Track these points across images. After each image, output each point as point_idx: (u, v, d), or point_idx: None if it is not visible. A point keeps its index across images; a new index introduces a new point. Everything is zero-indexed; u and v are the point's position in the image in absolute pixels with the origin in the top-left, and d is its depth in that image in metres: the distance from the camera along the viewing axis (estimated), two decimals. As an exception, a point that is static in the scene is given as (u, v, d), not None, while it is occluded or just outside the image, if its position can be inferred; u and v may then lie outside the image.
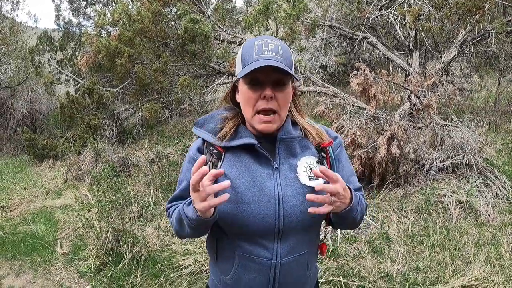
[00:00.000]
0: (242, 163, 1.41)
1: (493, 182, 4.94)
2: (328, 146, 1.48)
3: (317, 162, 1.45)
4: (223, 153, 1.43)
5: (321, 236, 1.65)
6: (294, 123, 1.49)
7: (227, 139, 1.42)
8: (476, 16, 5.32)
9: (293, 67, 1.39)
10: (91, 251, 4.45)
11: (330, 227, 1.61)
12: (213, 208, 1.26)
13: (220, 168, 1.41)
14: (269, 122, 1.36)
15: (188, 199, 1.36)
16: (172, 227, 1.51)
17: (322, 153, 1.47)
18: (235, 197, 1.37)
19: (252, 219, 1.37)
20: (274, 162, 1.42)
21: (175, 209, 1.49)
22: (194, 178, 1.17)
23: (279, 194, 1.38)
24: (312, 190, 1.39)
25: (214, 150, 1.43)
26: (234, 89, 1.49)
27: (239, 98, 1.44)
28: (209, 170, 1.35)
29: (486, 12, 5.28)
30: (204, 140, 1.48)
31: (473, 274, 3.60)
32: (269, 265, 1.42)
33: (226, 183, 1.20)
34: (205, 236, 1.60)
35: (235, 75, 1.44)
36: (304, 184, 1.41)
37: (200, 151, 1.47)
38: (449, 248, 4.06)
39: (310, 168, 1.43)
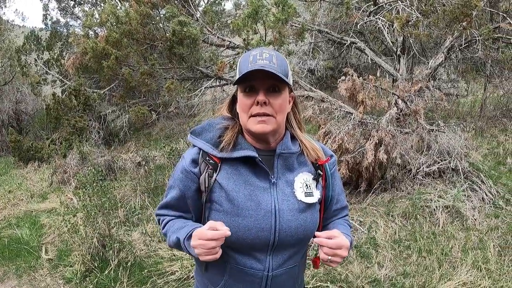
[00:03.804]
0: (239, 175, 1.41)
1: (479, 187, 4.99)
2: (325, 164, 1.51)
3: (313, 179, 1.47)
4: (219, 164, 1.42)
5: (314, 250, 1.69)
6: (293, 138, 1.50)
7: (227, 150, 1.42)
8: (464, 23, 5.37)
9: (289, 76, 1.40)
10: (76, 256, 4.37)
11: None
12: None
13: (216, 179, 1.41)
14: (264, 122, 1.36)
15: (188, 228, 1.40)
16: (167, 241, 1.52)
17: (319, 171, 1.49)
18: (231, 210, 1.38)
19: (247, 233, 1.37)
20: (272, 176, 1.42)
21: (169, 222, 1.53)
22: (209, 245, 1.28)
23: (276, 208, 1.39)
24: (307, 206, 1.44)
25: (211, 161, 1.42)
26: (234, 100, 1.50)
27: (238, 108, 1.45)
28: (205, 181, 1.41)
29: (473, 19, 5.33)
30: (199, 150, 1.46)
31: (460, 279, 3.63)
32: (261, 277, 1.42)
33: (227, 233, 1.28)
34: None
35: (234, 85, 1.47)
36: (300, 200, 1.42)
37: (195, 162, 1.45)
38: (436, 253, 4.08)
39: (307, 185, 1.45)
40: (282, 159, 1.44)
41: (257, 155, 1.40)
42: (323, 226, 1.58)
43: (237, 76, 1.37)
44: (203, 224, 1.41)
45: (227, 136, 1.43)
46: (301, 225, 1.41)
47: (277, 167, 1.44)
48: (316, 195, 1.46)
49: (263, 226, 1.37)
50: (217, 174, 1.41)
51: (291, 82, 1.41)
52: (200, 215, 1.49)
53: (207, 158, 1.43)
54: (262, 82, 1.35)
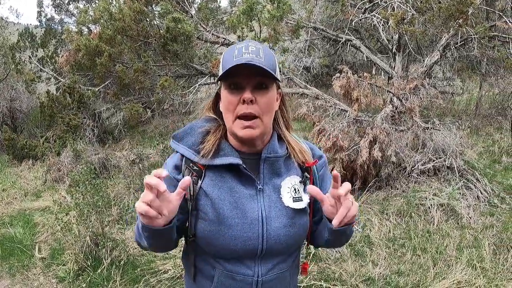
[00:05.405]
0: (224, 182, 1.33)
1: (474, 185, 4.99)
2: (312, 166, 1.42)
3: (300, 182, 1.39)
4: (203, 171, 1.35)
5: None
6: (280, 139, 1.42)
7: (210, 156, 1.33)
8: (460, 21, 5.36)
9: (277, 72, 1.30)
10: (69, 255, 4.33)
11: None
12: (164, 219, 1.15)
13: (201, 187, 1.33)
14: (251, 127, 1.26)
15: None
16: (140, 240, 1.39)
17: (306, 173, 1.41)
18: (217, 218, 1.30)
19: (234, 242, 1.30)
20: (258, 183, 1.35)
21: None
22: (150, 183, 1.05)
23: (263, 216, 1.32)
24: (296, 211, 1.36)
25: (195, 167, 1.34)
26: (218, 98, 1.40)
27: (221, 107, 1.36)
28: (190, 189, 1.32)
29: (469, 17, 5.32)
30: (182, 155, 1.37)
31: (455, 277, 3.62)
32: (251, 282, 1.36)
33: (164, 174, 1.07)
34: (181, 249, 1.53)
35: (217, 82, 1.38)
36: (287, 206, 1.35)
37: (177, 168, 1.37)
38: (430, 251, 4.07)
39: (295, 189, 1.37)
40: (268, 163, 1.36)
41: (241, 162, 1.32)
42: (313, 230, 1.49)
43: (221, 72, 1.28)
44: (191, 234, 1.36)
45: (208, 143, 1.35)
46: (290, 232, 1.34)
47: (263, 173, 1.36)
48: (306, 200, 1.38)
49: (250, 235, 1.30)
50: (202, 181, 1.34)
51: (279, 78, 1.32)
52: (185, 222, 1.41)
53: (191, 164, 1.35)
54: (248, 79, 1.25)
